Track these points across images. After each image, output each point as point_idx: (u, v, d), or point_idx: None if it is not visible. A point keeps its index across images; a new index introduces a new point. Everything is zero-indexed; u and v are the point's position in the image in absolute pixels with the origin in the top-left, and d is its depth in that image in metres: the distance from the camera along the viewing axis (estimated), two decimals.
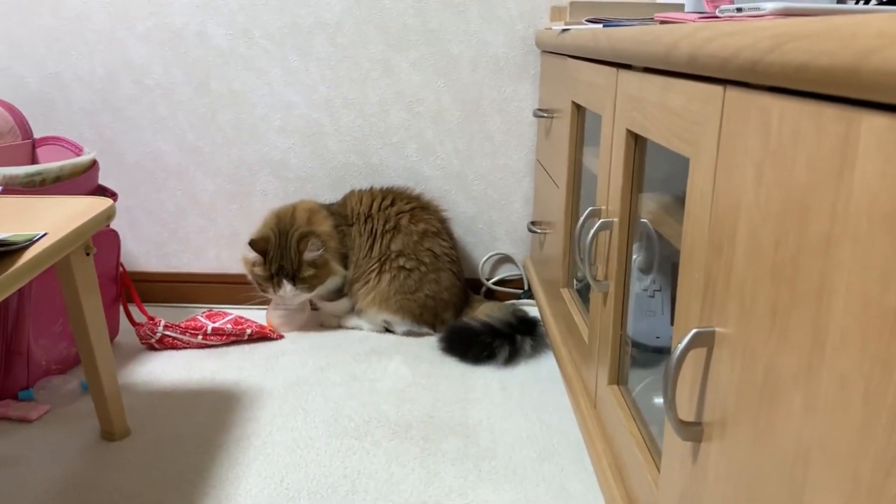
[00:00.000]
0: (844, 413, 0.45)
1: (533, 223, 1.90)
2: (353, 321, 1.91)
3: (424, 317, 1.84)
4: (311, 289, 1.79)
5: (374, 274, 1.84)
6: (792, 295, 0.52)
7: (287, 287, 1.77)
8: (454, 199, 2.05)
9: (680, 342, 0.68)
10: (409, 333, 1.86)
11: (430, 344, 1.80)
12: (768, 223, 0.56)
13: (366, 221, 1.86)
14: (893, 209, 0.40)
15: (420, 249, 1.84)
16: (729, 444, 0.63)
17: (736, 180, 0.62)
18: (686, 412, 0.74)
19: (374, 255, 1.84)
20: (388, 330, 1.89)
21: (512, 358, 1.69)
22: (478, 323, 1.73)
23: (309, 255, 1.76)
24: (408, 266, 1.82)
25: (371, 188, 1.93)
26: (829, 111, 0.47)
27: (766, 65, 0.52)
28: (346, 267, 1.86)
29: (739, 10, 0.75)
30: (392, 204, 1.87)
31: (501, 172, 2.04)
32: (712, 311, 0.68)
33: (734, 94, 0.63)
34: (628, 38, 0.93)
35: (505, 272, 2.12)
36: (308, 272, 1.77)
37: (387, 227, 1.85)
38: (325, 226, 1.83)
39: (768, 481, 0.56)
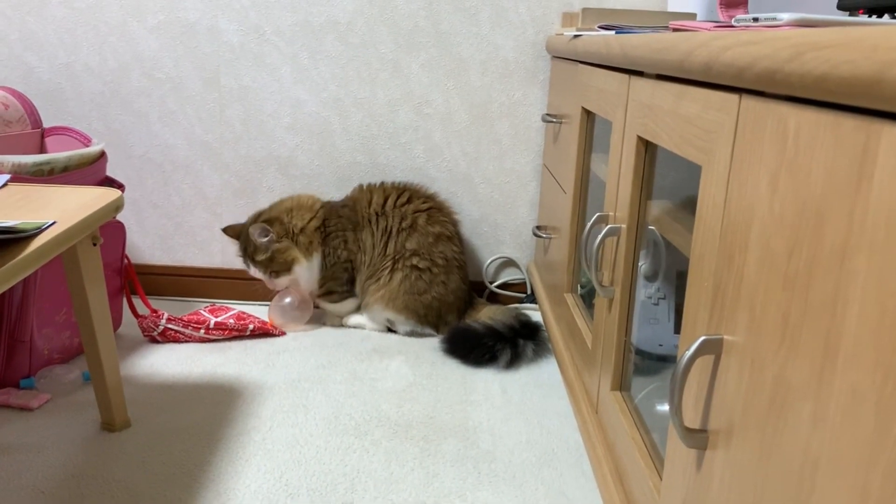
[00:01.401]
0: (855, 424, 0.45)
1: (538, 228, 1.90)
2: (354, 319, 1.91)
3: (428, 318, 1.85)
4: (275, 274, 1.84)
5: (387, 271, 1.84)
6: (804, 305, 0.52)
7: (252, 268, 1.86)
8: (460, 201, 2.06)
9: (688, 349, 0.68)
10: (411, 334, 1.86)
11: (431, 345, 1.80)
12: (782, 232, 0.56)
13: (378, 220, 1.86)
14: None
15: (434, 252, 1.84)
16: (735, 453, 0.63)
17: (749, 189, 0.63)
18: (691, 419, 0.74)
19: (388, 253, 1.84)
20: (390, 329, 1.89)
21: (514, 362, 1.69)
22: (480, 325, 1.73)
23: (253, 238, 1.82)
24: (420, 266, 1.83)
25: (383, 184, 1.92)
26: (848, 122, 0.47)
27: (785, 74, 0.53)
28: (352, 272, 1.87)
29: (756, 19, 0.75)
30: (409, 201, 1.87)
31: (508, 176, 2.04)
32: (721, 319, 0.68)
33: (750, 103, 0.63)
34: (642, 45, 0.94)
35: (508, 276, 2.12)
36: (261, 256, 1.83)
37: (403, 224, 1.85)
38: (300, 221, 1.85)
39: (774, 491, 0.56)
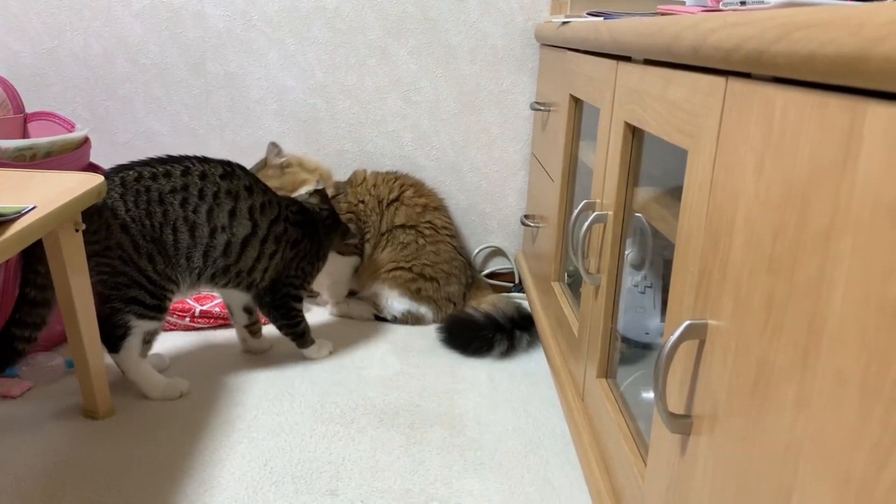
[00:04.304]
0: (839, 407, 0.45)
1: (526, 216, 1.90)
2: (344, 309, 1.89)
3: (423, 292, 1.83)
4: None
5: (379, 249, 1.86)
6: (789, 288, 0.52)
7: None
8: (448, 190, 2.05)
9: (672, 333, 0.68)
10: (407, 315, 1.84)
11: (420, 334, 1.80)
12: (767, 215, 0.56)
13: (373, 189, 1.88)
14: None
15: (421, 221, 1.85)
16: (718, 438, 0.63)
17: (735, 172, 0.62)
18: (676, 404, 0.74)
19: (382, 230, 1.87)
20: (377, 318, 1.87)
21: (508, 352, 1.68)
22: (481, 315, 1.72)
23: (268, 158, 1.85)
24: (405, 241, 1.84)
25: (376, 171, 1.95)
26: (834, 102, 0.46)
27: (772, 55, 0.52)
28: (361, 229, 1.87)
29: (743, 3, 0.74)
30: (396, 179, 1.90)
31: (496, 165, 2.03)
32: (706, 304, 0.68)
33: (737, 85, 0.63)
34: (630, 30, 0.93)
35: (496, 265, 2.12)
36: (273, 182, 1.81)
37: (391, 196, 1.86)
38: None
39: (757, 475, 0.56)
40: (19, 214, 1.01)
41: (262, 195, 1.47)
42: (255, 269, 1.47)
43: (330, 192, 1.87)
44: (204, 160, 1.43)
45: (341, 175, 1.97)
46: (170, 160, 1.41)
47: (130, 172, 1.37)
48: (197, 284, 1.45)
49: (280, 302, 1.53)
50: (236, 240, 1.43)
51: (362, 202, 1.87)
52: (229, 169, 1.44)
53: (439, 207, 1.91)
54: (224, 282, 1.46)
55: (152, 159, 1.41)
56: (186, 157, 1.43)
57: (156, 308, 1.37)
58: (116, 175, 1.36)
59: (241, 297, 1.55)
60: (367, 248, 1.88)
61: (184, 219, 1.37)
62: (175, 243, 1.37)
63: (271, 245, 1.47)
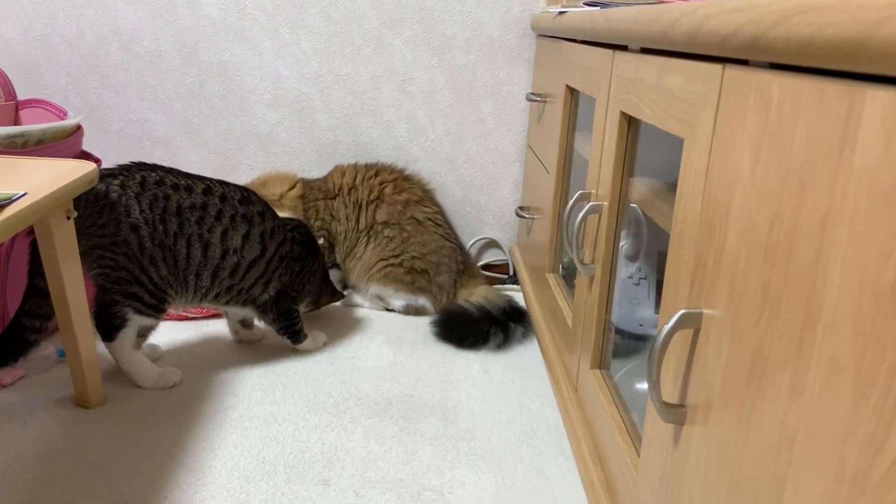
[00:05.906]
0: (834, 395, 0.45)
1: (521, 208, 1.89)
2: (355, 298, 1.89)
3: (417, 283, 1.82)
4: None
5: (362, 246, 1.85)
6: (785, 276, 0.51)
7: None
8: (443, 181, 2.04)
9: (667, 322, 0.67)
10: (407, 309, 1.84)
11: (414, 325, 1.79)
12: (763, 203, 0.55)
13: (350, 192, 1.87)
14: (894, 185, 0.39)
15: (403, 219, 1.84)
16: (712, 427, 0.63)
17: (731, 160, 0.62)
18: (670, 394, 0.74)
19: (362, 228, 1.85)
20: (388, 309, 1.87)
21: (504, 344, 1.68)
22: (476, 309, 1.71)
23: None
24: (391, 235, 1.83)
25: (356, 163, 1.92)
26: (832, 87, 0.46)
27: (770, 40, 0.51)
28: (328, 239, 1.87)
29: None
30: (377, 175, 1.88)
31: (491, 156, 2.03)
32: (701, 293, 0.67)
33: (734, 72, 0.62)
34: (627, 18, 0.92)
35: (491, 257, 2.11)
36: None
37: (371, 196, 1.86)
38: (280, 188, 1.89)
39: (751, 464, 0.55)
40: (10, 201, 1.00)
41: (272, 221, 1.50)
42: (257, 284, 1.48)
43: (296, 204, 1.88)
44: (223, 183, 1.45)
45: (328, 167, 1.96)
46: (192, 176, 1.42)
47: (153, 174, 1.36)
48: (200, 302, 1.45)
49: (286, 310, 1.54)
50: (244, 262, 1.44)
51: (335, 219, 1.87)
52: (246, 194, 1.47)
53: (421, 199, 1.88)
54: (226, 300, 1.48)
55: (174, 169, 1.42)
56: (207, 178, 1.45)
57: (154, 307, 1.37)
58: (138, 172, 1.36)
59: (240, 310, 1.54)
60: (341, 251, 1.88)
61: (198, 236, 1.38)
62: (187, 258, 1.38)
63: (275, 263, 1.50)
